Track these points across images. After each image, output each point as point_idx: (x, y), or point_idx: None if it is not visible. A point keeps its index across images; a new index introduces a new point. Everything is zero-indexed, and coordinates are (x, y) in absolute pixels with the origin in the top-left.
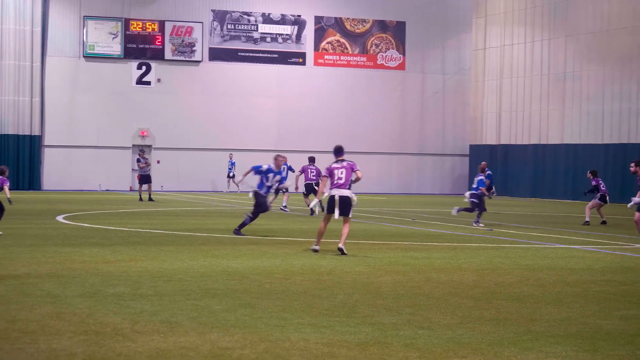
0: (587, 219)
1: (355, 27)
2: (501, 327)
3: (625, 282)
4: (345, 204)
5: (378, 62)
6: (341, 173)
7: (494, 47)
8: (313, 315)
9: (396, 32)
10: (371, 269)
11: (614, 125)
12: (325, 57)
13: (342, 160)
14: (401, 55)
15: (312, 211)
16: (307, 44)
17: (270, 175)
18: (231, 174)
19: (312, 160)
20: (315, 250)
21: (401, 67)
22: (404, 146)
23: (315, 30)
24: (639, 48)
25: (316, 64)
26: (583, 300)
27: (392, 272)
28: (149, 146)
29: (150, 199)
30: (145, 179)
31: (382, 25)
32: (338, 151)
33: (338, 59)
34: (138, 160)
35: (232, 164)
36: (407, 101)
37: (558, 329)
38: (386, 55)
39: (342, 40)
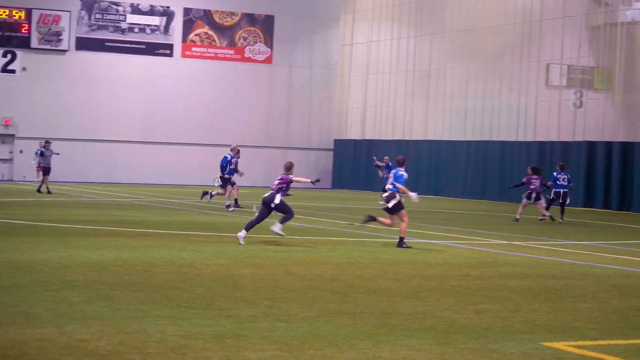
0: (516, 217)
1: (224, 20)
2: (358, 320)
3: (481, 276)
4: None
5: (246, 55)
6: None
7: (361, 43)
8: (171, 308)
9: (265, 25)
10: (231, 262)
11: (477, 123)
12: (193, 49)
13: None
14: (269, 49)
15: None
16: (175, 36)
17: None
18: None
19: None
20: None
21: (269, 60)
22: (270, 140)
23: (184, 22)
24: (503, 47)
25: (184, 55)
26: (439, 294)
27: (252, 265)
28: (12, 135)
29: (48, 192)
30: (47, 170)
31: (250, 19)
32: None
33: (206, 51)
34: (41, 154)
35: None
36: (274, 95)
37: (413, 323)
38: (254, 49)
39: (210, 32)
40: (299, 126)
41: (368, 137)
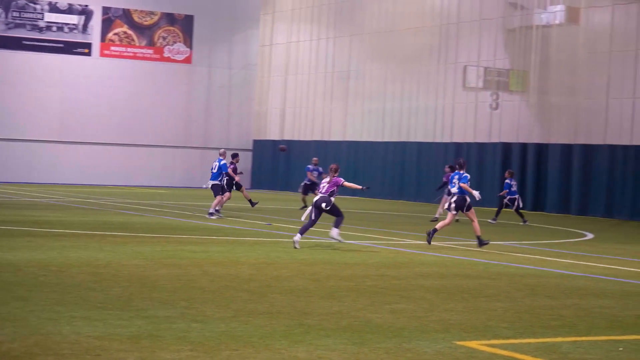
0: (436, 215)
1: (143, 19)
2: (274, 320)
3: (397, 276)
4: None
5: (165, 55)
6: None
7: (281, 44)
8: (87, 309)
9: (184, 25)
10: (148, 262)
11: (394, 124)
12: (112, 48)
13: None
14: (188, 49)
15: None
16: (94, 35)
17: None
18: None
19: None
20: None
21: (188, 60)
22: (188, 140)
23: (103, 21)
24: (421, 49)
25: (102, 55)
26: (355, 294)
27: (170, 266)
28: None
29: None
30: None
31: (170, 18)
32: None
33: (125, 50)
34: None
35: None
36: (193, 95)
37: (329, 322)
38: (173, 49)
39: (129, 31)
40: (218, 126)
41: (287, 137)
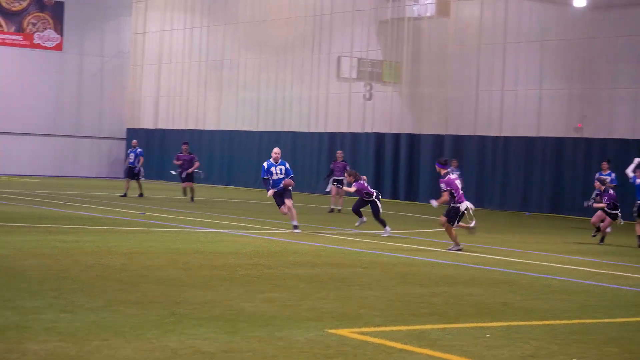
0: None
1: (12, 5)
2: (146, 310)
3: (270, 265)
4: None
5: (35, 41)
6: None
7: (154, 32)
8: None
9: (54, 12)
10: (16, 252)
11: (269, 114)
12: None
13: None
14: (59, 36)
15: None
16: None
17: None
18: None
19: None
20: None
21: (59, 47)
22: (59, 128)
23: None
24: (295, 39)
25: None
26: (229, 283)
27: (39, 256)
28: None
29: None
30: None
31: (40, 5)
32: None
33: None
34: None
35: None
36: (64, 82)
37: (201, 312)
38: (43, 35)
39: None
40: (90, 115)
41: (161, 126)
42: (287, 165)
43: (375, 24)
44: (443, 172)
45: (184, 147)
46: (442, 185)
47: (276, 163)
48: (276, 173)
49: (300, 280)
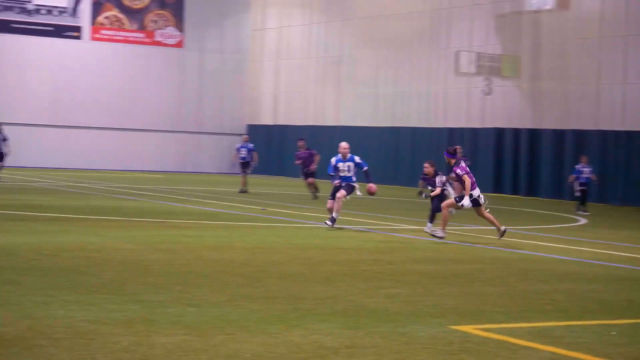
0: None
1: (133, 3)
2: (269, 305)
3: (392, 261)
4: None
5: (156, 39)
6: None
7: (272, 28)
8: (80, 293)
9: (175, 9)
10: (142, 247)
11: (388, 109)
12: (102, 31)
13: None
14: (180, 33)
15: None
16: (84, 18)
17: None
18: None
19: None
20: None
21: (179, 44)
22: (181, 124)
23: (93, 4)
24: (413, 34)
25: (93, 38)
26: (350, 278)
27: (164, 250)
28: None
29: None
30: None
31: (160, 2)
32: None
33: (115, 34)
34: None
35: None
36: (185, 79)
37: (324, 307)
38: (164, 33)
39: (119, 15)
40: (211, 111)
41: (280, 122)
42: (358, 159)
43: (494, 18)
44: (453, 161)
45: (300, 143)
46: (459, 171)
47: (344, 159)
48: (343, 170)
49: (422, 276)
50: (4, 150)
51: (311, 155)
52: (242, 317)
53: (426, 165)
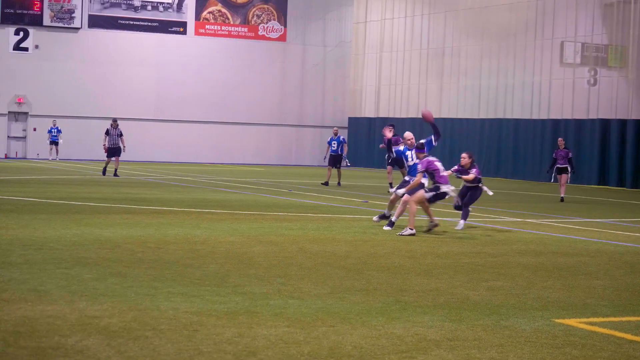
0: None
1: None
2: (370, 297)
3: (494, 254)
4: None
5: (259, 33)
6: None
7: (375, 21)
8: (184, 285)
9: (278, 3)
10: (245, 239)
11: (490, 101)
12: (207, 27)
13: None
14: (282, 27)
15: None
16: (188, 14)
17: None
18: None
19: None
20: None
21: (282, 38)
22: (283, 117)
23: (197, 0)
24: (517, 25)
25: (197, 33)
26: (452, 271)
27: (266, 243)
28: (26, 113)
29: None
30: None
31: None
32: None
33: (219, 29)
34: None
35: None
36: (288, 73)
37: (426, 299)
38: (267, 27)
39: (223, 10)
40: (313, 104)
41: (382, 115)
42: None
43: (600, 7)
44: (422, 156)
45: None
46: (419, 167)
47: (411, 148)
48: (412, 158)
49: (524, 269)
50: (120, 145)
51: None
52: (344, 310)
53: (464, 155)
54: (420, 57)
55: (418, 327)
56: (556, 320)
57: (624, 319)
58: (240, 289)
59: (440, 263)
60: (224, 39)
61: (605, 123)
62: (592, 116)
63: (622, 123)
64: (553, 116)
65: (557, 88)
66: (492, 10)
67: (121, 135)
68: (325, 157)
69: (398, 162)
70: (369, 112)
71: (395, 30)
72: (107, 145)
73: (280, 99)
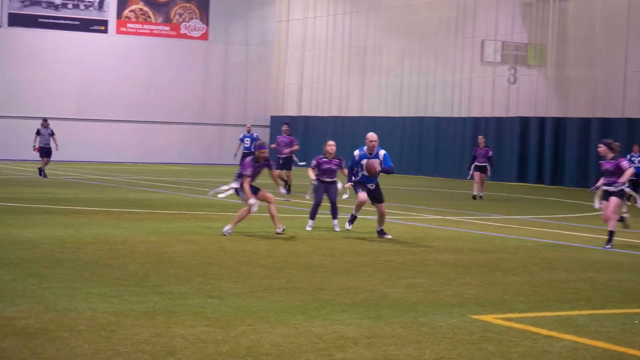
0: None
1: None
2: (290, 296)
3: (413, 251)
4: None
5: (181, 31)
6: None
7: (297, 19)
8: (103, 285)
9: (200, 2)
10: (165, 239)
11: (412, 99)
12: (128, 25)
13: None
14: (205, 25)
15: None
16: (110, 12)
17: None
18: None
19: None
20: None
21: (204, 37)
22: (206, 116)
23: None
24: (439, 24)
25: (119, 32)
26: (372, 269)
27: (186, 242)
28: None
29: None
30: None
31: None
32: None
33: (141, 27)
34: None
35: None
36: (210, 71)
37: (345, 297)
38: (189, 25)
39: (145, 8)
40: (235, 103)
41: (305, 113)
42: (381, 156)
43: (520, 6)
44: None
45: (284, 127)
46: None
47: (370, 154)
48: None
49: (443, 266)
50: (51, 145)
51: (291, 143)
52: (263, 308)
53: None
54: (343, 55)
55: (336, 325)
56: (473, 317)
57: (540, 314)
58: (160, 289)
59: (360, 261)
60: (146, 37)
61: (524, 121)
62: (512, 114)
63: (541, 121)
64: (473, 114)
65: (477, 86)
66: (414, 9)
67: (53, 134)
68: (235, 155)
69: (285, 164)
70: (291, 110)
71: (318, 28)
72: (38, 146)
73: (202, 98)
